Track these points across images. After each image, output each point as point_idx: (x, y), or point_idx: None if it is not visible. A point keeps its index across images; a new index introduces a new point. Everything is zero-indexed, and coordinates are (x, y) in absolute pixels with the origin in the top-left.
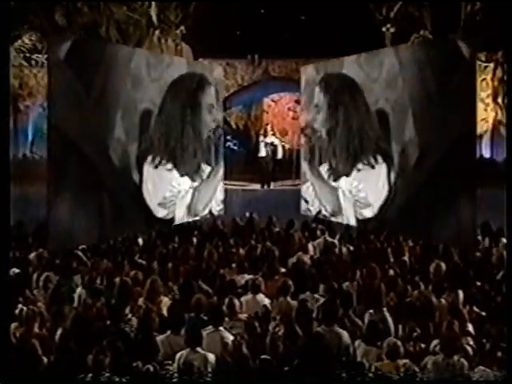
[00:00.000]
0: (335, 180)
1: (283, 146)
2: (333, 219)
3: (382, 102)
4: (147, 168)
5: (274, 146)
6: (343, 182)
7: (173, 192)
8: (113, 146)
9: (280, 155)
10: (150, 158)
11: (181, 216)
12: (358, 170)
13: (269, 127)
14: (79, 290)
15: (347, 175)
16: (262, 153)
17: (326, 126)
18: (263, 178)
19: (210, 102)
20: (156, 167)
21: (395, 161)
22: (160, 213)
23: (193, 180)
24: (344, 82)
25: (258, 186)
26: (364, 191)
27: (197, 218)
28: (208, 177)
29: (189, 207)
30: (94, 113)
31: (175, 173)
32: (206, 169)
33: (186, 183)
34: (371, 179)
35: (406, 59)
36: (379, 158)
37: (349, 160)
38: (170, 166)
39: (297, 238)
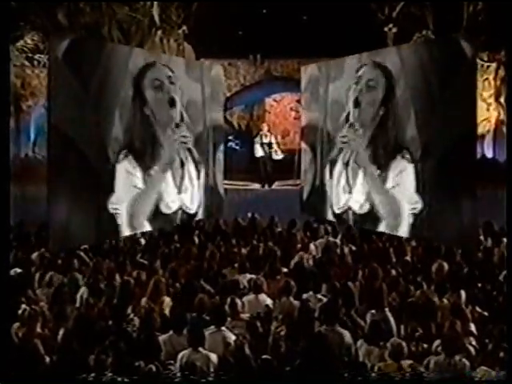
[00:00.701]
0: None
1: (278, 145)
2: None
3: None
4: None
5: (270, 146)
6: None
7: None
8: (111, 146)
9: (276, 155)
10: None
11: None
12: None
13: (265, 127)
14: (81, 289)
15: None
16: (259, 153)
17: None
18: (261, 178)
19: (155, 76)
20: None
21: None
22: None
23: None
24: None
25: (259, 186)
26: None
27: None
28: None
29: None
30: (93, 112)
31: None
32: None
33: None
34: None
35: (409, 58)
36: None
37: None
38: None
39: (299, 237)
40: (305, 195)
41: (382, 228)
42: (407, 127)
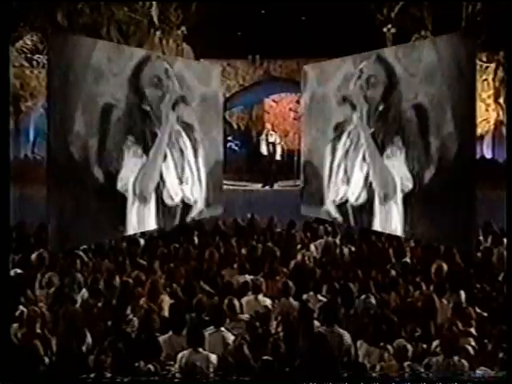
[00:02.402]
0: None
1: (282, 146)
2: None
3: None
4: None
5: (273, 146)
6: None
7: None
8: (74, 143)
9: (279, 155)
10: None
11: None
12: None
13: (269, 126)
14: (81, 290)
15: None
16: (265, 151)
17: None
18: (266, 177)
19: (153, 73)
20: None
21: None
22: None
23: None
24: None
25: (258, 186)
26: None
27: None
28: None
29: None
30: (57, 106)
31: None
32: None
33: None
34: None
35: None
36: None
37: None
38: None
39: (298, 238)
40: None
41: (376, 212)
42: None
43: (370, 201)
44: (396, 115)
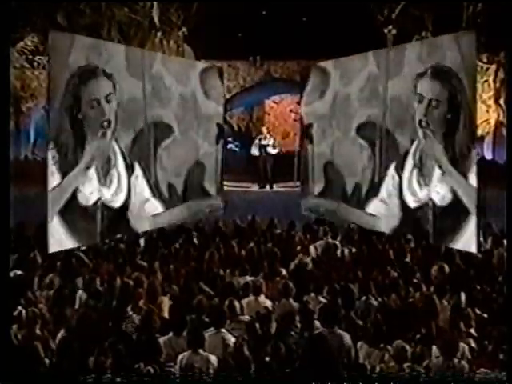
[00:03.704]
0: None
1: (280, 148)
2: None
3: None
4: None
5: (265, 148)
6: None
7: None
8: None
9: (273, 149)
10: None
11: None
12: None
13: (265, 129)
14: (81, 291)
15: None
16: (256, 152)
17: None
18: (261, 178)
19: (93, 96)
20: None
21: None
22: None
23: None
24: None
25: (257, 188)
26: None
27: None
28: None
29: None
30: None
31: None
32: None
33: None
34: None
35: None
36: None
37: None
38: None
39: (298, 239)
40: (363, 192)
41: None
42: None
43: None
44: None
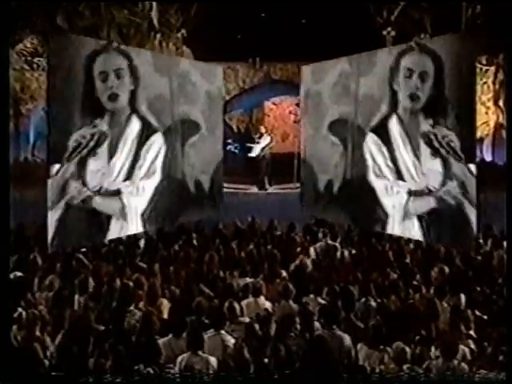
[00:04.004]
0: None
1: (278, 150)
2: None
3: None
4: None
5: (263, 149)
6: None
7: None
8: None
9: (270, 159)
10: None
11: None
12: None
13: (263, 129)
14: (80, 292)
15: None
16: (252, 155)
17: None
18: (260, 179)
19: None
20: None
21: None
22: None
23: None
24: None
25: (257, 189)
26: None
27: None
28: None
29: None
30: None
31: None
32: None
33: None
34: None
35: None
36: None
37: None
38: None
39: (298, 241)
40: (335, 189)
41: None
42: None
43: None
44: None
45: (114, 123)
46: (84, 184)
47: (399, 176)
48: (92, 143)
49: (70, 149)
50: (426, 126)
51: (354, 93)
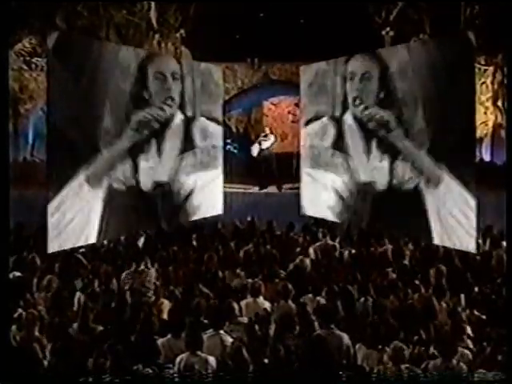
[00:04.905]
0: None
1: (278, 149)
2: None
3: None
4: None
5: (266, 149)
6: None
7: None
8: (102, 139)
9: (273, 158)
10: None
11: None
12: None
13: (268, 129)
14: (79, 293)
15: None
16: (254, 154)
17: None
18: (262, 179)
19: (158, 70)
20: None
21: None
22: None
23: None
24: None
25: (257, 189)
26: None
27: None
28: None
29: None
30: (84, 107)
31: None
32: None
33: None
34: None
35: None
36: None
37: None
38: None
39: (297, 241)
40: None
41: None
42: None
43: None
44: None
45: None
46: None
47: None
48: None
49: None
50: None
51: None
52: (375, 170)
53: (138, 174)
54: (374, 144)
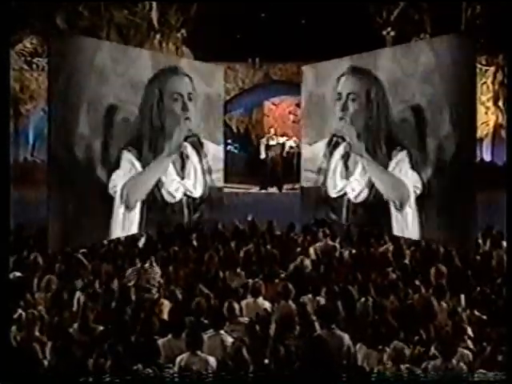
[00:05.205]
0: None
1: (282, 150)
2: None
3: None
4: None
5: (273, 149)
6: None
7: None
8: (77, 142)
9: (280, 159)
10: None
11: None
12: None
13: (273, 130)
14: (79, 293)
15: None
16: (262, 155)
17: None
18: (267, 180)
19: (176, 90)
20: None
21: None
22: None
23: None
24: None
25: (257, 190)
26: None
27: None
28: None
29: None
30: (60, 109)
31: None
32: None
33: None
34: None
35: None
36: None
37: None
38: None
39: (298, 241)
40: None
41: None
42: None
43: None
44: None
45: None
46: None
47: None
48: None
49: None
50: None
51: None
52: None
53: None
54: None
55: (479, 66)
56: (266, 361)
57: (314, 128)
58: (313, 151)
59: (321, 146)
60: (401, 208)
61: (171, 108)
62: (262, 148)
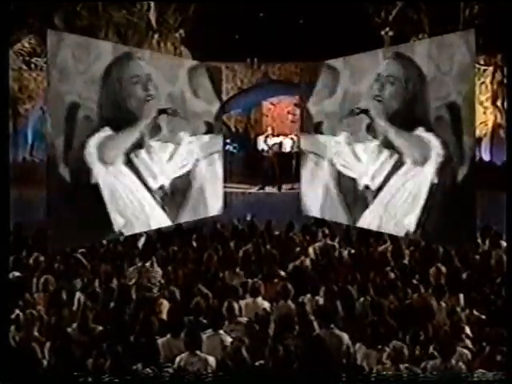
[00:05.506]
0: None
1: (280, 150)
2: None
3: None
4: None
5: (278, 147)
6: None
7: None
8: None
9: (278, 158)
10: None
11: None
12: None
13: (270, 130)
14: (79, 293)
15: None
16: (264, 148)
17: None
18: (270, 180)
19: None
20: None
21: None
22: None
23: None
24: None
25: (256, 189)
26: None
27: None
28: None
29: None
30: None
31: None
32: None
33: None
34: None
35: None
36: None
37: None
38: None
39: (297, 241)
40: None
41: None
42: None
43: None
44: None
45: None
46: None
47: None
48: None
49: None
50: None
51: None
52: None
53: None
54: None
55: (478, 65)
56: (265, 360)
57: None
58: None
59: None
60: (422, 165)
61: (134, 92)
62: (260, 148)
